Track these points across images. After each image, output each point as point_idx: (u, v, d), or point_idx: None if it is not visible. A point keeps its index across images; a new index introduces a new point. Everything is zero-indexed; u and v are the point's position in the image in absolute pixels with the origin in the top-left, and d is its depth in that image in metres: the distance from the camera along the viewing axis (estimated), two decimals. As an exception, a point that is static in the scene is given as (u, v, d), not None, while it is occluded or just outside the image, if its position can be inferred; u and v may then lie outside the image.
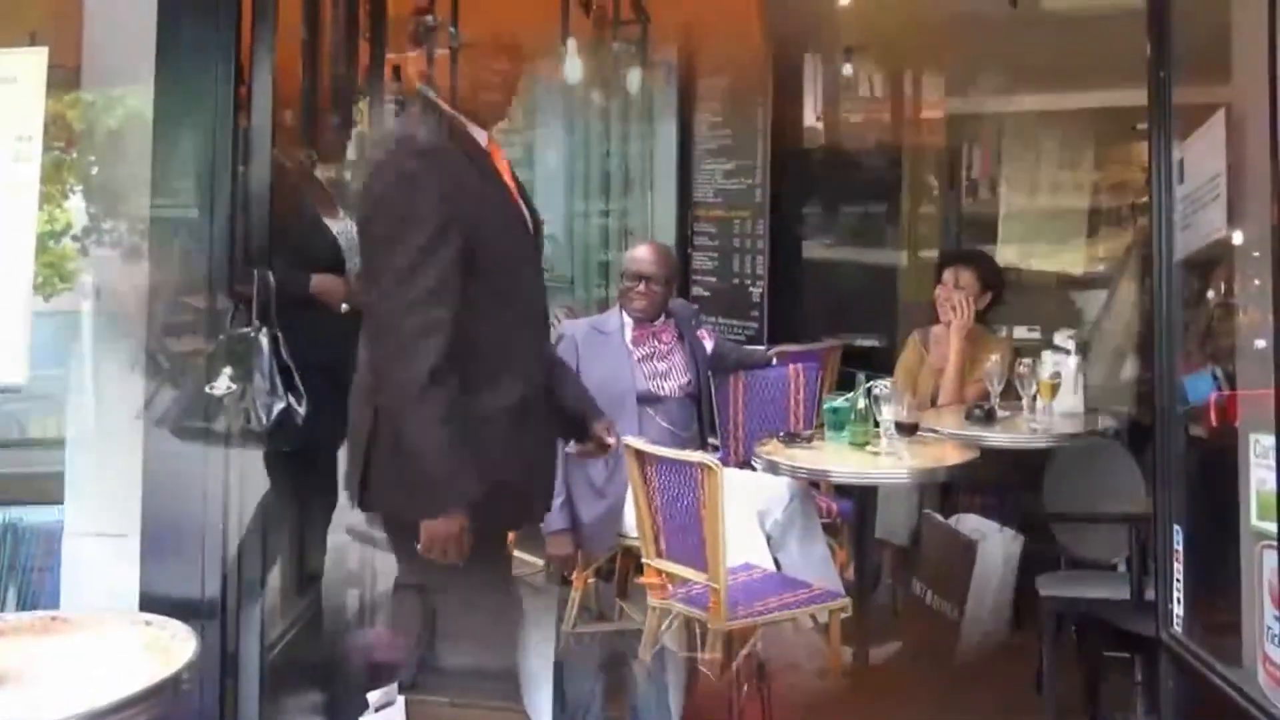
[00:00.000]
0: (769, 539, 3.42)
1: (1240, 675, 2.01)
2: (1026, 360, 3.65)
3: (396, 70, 4.81)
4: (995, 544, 3.52)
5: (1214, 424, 2.22)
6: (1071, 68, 4.67)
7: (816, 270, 5.48)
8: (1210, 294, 2.55)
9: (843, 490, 3.68)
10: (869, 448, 3.23)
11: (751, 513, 3.40)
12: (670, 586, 3.08)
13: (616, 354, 3.65)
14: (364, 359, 2.19)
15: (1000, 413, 3.55)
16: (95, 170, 2.32)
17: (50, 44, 2.12)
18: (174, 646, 1.80)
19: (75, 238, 2.24)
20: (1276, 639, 1.89)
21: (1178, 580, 2.28)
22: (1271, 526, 1.89)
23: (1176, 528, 2.29)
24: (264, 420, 2.23)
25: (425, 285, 2.02)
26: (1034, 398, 3.55)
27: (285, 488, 2.86)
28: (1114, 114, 4.81)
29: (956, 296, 3.92)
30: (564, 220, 6.02)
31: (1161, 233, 2.37)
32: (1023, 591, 3.55)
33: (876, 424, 3.23)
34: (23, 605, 2.27)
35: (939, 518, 3.72)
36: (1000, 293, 4.10)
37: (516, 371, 2.18)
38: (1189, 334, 2.47)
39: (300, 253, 2.96)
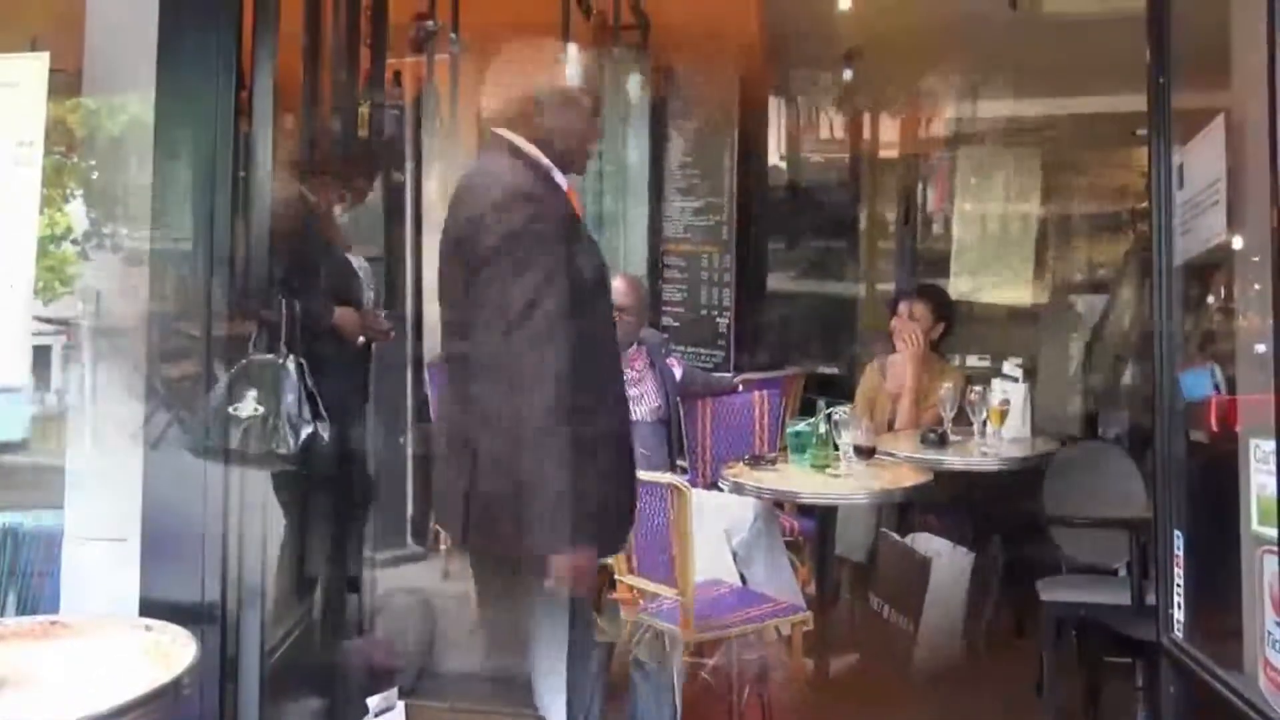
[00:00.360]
0: (735, 556, 3.55)
1: (1241, 680, 2.00)
2: (977, 387, 3.85)
3: (397, 75, 4.83)
4: (948, 561, 3.67)
5: (1214, 428, 2.22)
6: (1046, 74, 4.85)
7: (780, 302, 5.89)
8: (1210, 298, 2.56)
9: (805, 510, 3.84)
10: (829, 470, 3.36)
11: (719, 531, 3.52)
12: (642, 601, 3.17)
13: None
14: (463, 401, 2.20)
15: (953, 437, 3.74)
16: (96, 175, 2.32)
17: (51, 49, 2.12)
18: (174, 651, 1.80)
19: (75, 242, 2.25)
20: (1277, 644, 1.89)
21: (1178, 585, 2.28)
22: (1272, 532, 1.89)
23: (1177, 532, 2.29)
24: (293, 444, 2.32)
25: (541, 327, 2.08)
26: (984, 423, 3.74)
27: (292, 503, 2.99)
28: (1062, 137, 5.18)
29: (910, 327, 4.13)
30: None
31: (1161, 238, 2.36)
32: (1018, 598, 3.69)
33: (836, 447, 3.38)
34: (23, 610, 2.27)
35: (895, 536, 3.87)
36: (952, 323, 4.32)
37: (605, 404, 2.24)
38: (1189, 339, 2.47)
39: (324, 286, 3.13)
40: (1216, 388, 2.25)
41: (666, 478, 3.02)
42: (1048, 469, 3.63)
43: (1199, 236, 2.27)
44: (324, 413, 2.39)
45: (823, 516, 3.63)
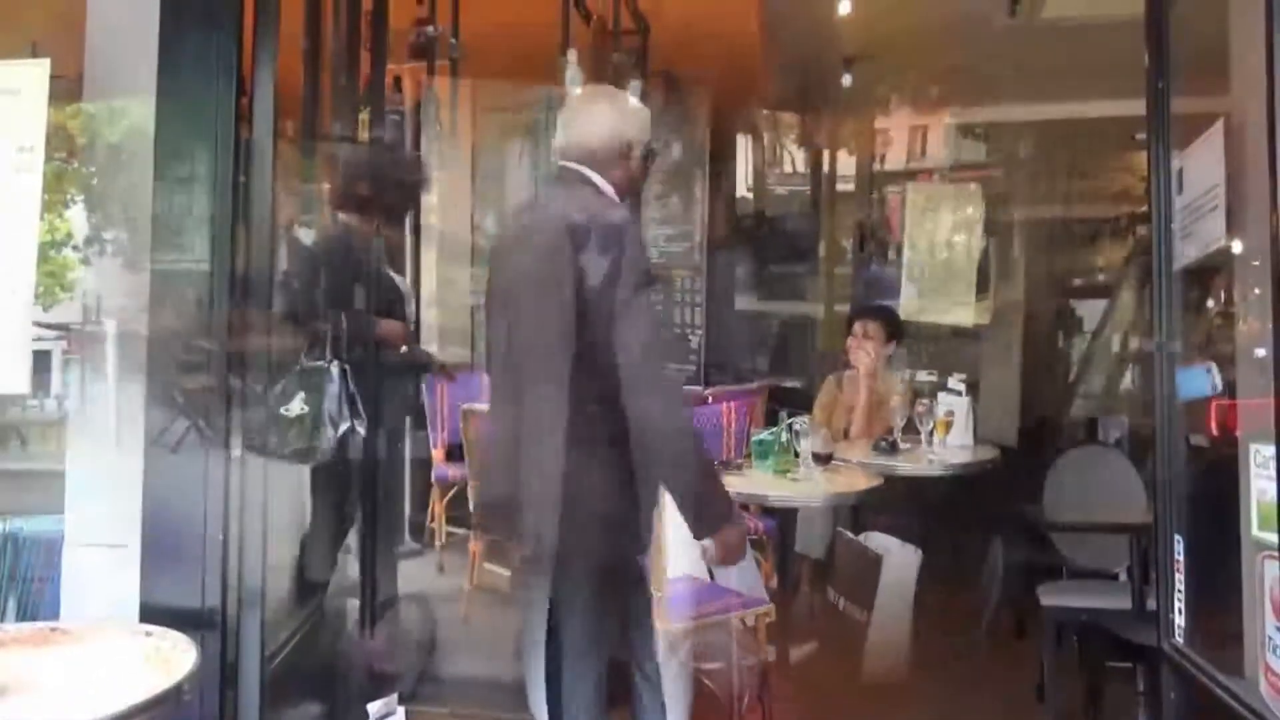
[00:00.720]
0: (704, 554, 3.60)
1: (1242, 685, 2.01)
2: (925, 400, 4.20)
3: (398, 81, 4.83)
4: (898, 558, 3.85)
5: (1214, 433, 2.22)
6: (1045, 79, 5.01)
7: (747, 321, 6.49)
8: (1210, 303, 2.56)
9: (767, 511, 4.11)
10: (790, 475, 3.62)
11: (689, 532, 3.60)
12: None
13: None
14: (569, 414, 2.24)
15: (902, 445, 4.05)
16: (96, 181, 2.32)
17: (51, 52, 2.12)
18: (174, 657, 1.80)
19: (76, 248, 2.25)
20: (1278, 649, 1.89)
21: (1179, 590, 2.28)
22: (1272, 537, 1.89)
23: (1177, 537, 2.29)
24: (331, 439, 2.66)
25: (669, 338, 2.25)
26: (931, 433, 4.07)
27: (328, 499, 3.21)
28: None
29: (865, 345, 4.45)
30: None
31: (1161, 242, 2.37)
32: (1020, 601, 3.81)
33: (797, 454, 3.64)
34: (23, 616, 2.27)
35: (850, 535, 4.05)
36: (902, 341, 4.69)
37: None
38: (1189, 343, 2.47)
39: (371, 302, 3.38)
40: (1213, 384, 2.25)
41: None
42: (1047, 473, 3.70)
43: (1199, 241, 2.28)
44: (361, 412, 2.70)
45: (784, 517, 3.97)
